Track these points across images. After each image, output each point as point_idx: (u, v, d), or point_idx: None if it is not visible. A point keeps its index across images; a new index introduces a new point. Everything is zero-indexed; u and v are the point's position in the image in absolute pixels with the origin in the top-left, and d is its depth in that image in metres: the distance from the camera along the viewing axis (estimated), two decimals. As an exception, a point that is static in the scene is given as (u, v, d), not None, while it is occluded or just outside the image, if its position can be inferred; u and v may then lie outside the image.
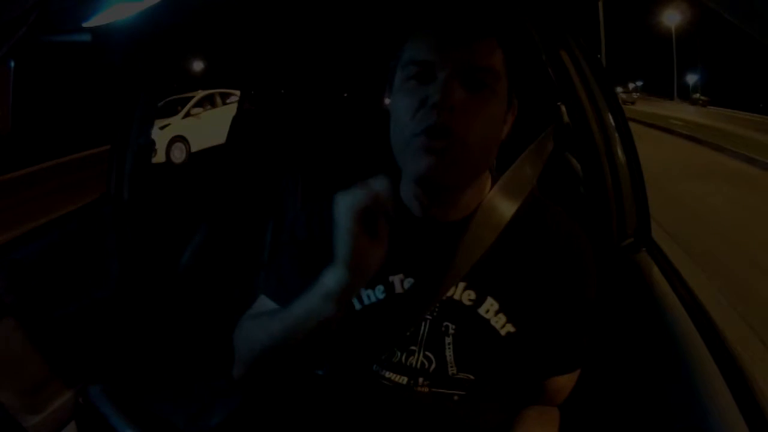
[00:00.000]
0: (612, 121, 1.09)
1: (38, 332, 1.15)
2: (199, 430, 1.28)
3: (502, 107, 0.70)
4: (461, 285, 0.73)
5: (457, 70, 0.65)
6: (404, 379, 0.73)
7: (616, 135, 1.09)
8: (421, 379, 0.73)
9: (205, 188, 1.73)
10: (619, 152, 1.08)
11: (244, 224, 1.54)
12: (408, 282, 0.74)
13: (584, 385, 0.82)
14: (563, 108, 1.24)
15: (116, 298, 1.40)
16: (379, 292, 0.75)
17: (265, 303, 0.78)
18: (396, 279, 0.74)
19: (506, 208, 0.76)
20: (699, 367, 0.75)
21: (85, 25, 1.01)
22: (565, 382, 0.79)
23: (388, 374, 0.74)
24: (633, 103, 25.88)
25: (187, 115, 8.75)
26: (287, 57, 1.72)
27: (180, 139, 8.41)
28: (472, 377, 0.73)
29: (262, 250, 1.50)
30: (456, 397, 0.73)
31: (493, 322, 0.72)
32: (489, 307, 0.72)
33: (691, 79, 35.05)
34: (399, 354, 0.74)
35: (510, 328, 0.72)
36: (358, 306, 0.76)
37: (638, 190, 1.07)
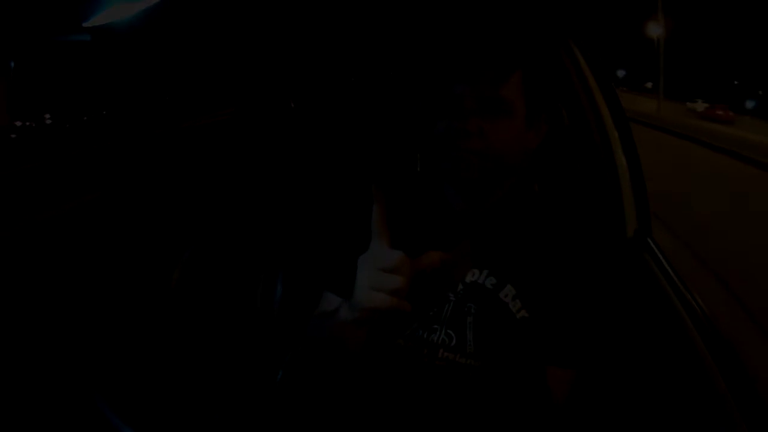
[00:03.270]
0: (612, 121, 1.10)
1: (38, 331, 1.15)
2: (200, 428, 1.28)
3: (519, 127, 0.84)
4: (485, 272, 0.83)
5: (478, 100, 0.82)
6: (423, 350, 0.82)
7: (617, 135, 1.09)
8: (441, 351, 0.81)
9: (208, 187, 1.73)
10: (619, 153, 1.08)
11: (245, 225, 1.54)
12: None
13: (584, 384, 0.82)
14: (564, 110, 1.25)
15: (116, 299, 1.40)
16: None
17: (329, 299, 0.89)
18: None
19: (514, 205, 0.88)
20: (698, 368, 0.75)
21: (85, 25, 1.01)
22: (561, 379, 0.82)
23: (408, 346, 0.82)
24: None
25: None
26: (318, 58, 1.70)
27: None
28: (487, 357, 0.80)
29: (262, 252, 1.49)
30: (471, 374, 0.80)
31: (510, 306, 0.81)
32: (508, 293, 0.82)
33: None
34: (422, 332, 0.82)
35: (524, 313, 0.81)
36: None
37: (638, 191, 1.07)
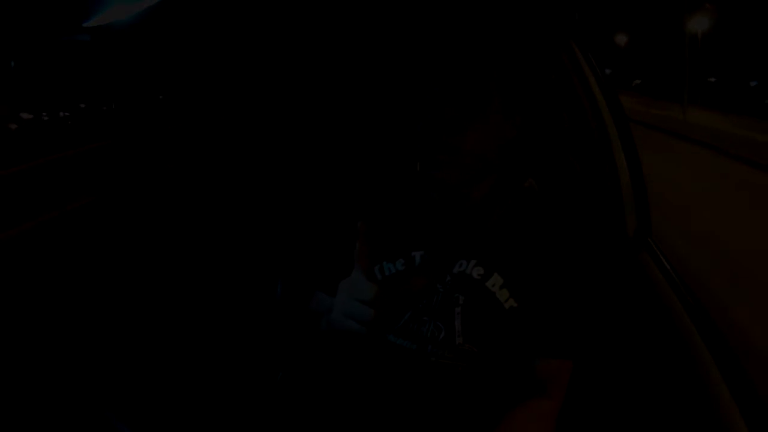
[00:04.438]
0: (612, 122, 1.10)
1: (40, 333, 1.15)
2: (200, 428, 1.28)
3: (496, 122, 0.85)
4: (472, 262, 0.84)
5: (452, 98, 0.83)
6: (413, 346, 0.82)
7: (617, 135, 1.09)
8: (429, 347, 0.81)
9: (209, 186, 1.73)
10: (620, 153, 1.08)
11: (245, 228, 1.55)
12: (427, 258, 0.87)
13: (584, 384, 0.82)
14: (564, 111, 1.25)
15: (115, 299, 1.40)
16: (400, 264, 0.87)
17: (320, 298, 0.90)
18: (417, 254, 0.87)
19: (501, 199, 0.89)
20: (698, 368, 0.75)
21: (85, 25, 1.01)
22: (557, 371, 0.82)
23: (399, 341, 0.83)
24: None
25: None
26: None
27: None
28: (476, 349, 0.81)
29: (263, 251, 1.50)
30: (460, 368, 0.80)
31: (498, 296, 0.82)
32: (495, 282, 0.83)
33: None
34: (412, 324, 0.83)
35: (513, 302, 0.82)
36: (378, 276, 0.87)
37: (638, 191, 1.07)
